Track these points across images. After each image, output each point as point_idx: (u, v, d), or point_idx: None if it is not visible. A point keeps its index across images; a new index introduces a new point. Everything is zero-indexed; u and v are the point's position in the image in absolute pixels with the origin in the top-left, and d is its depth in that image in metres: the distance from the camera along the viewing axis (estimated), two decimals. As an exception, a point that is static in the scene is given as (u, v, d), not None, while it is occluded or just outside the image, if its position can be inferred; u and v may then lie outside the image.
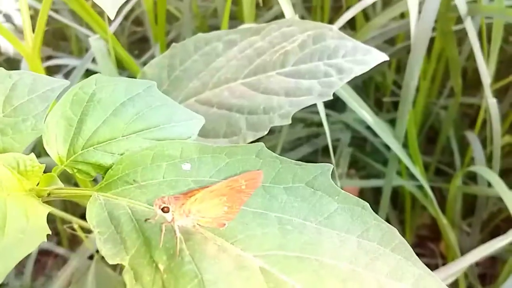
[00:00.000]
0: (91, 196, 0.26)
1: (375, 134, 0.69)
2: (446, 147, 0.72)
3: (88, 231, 0.47)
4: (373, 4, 0.67)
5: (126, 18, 0.83)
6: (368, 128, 0.69)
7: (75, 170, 0.28)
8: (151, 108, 0.29)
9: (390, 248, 0.26)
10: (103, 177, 0.27)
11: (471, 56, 0.70)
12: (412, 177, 0.68)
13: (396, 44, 0.66)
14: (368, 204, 0.27)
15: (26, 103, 0.28)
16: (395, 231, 0.26)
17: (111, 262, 0.22)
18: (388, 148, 0.69)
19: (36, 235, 0.23)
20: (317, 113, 0.68)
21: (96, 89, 0.29)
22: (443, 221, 0.56)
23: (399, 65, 0.73)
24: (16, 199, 0.24)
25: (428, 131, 0.76)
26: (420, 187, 0.62)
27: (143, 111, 0.29)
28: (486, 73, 0.53)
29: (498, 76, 0.65)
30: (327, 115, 0.58)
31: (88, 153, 0.28)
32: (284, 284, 0.22)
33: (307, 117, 0.68)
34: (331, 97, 0.35)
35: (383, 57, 0.37)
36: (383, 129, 0.46)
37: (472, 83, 0.71)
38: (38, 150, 0.61)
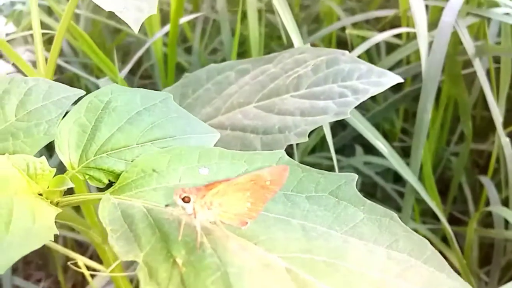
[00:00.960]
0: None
1: (385, 179, 0.68)
2: (457, 195, 0.71)
3: (93, 269, 0.45)
4: (378, 49, 0.68)
5: (133, 72, 0.85)
6: (378, 173, 0.68)
7: (87, 176, 0.27)
8: (167, 118, 0.29)
9: (422, 259, 0.24)
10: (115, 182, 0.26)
11: (477, 104, 0.70)
12: (425, 222, 0.65)
13: (403, 89, 0.66)
14: (396, 215, 0.25)
15: (40, 108, 0.27)
16: (426, 242, 0.25)
17: (124, 259, 0.21)
18: (399, 194, 0.68)
19: (43, 234, 0.22)
20: (327, 158, 0.67)
21: (111, 97, 0.28)
22: (462, 266, 0.53)
23: (406, 113, 0.73)
24: (23, 199, 0.23)
25: (438, 180, 0.75)
26: (434, 231, 0.60)
27: (159, 121, 0.28)
28: (497, 112, 0.52)
29: (506, 123, 0.65)
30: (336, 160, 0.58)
31: (101, 159, 0.27)
32: (312, 285, 0.20)
33: (316, 161, 0.67)
34: (348, 116, 0.35)
35: (397, 79, 0.37)
36: (398, 161, 0.45)
37: (480, 130, 0.71)
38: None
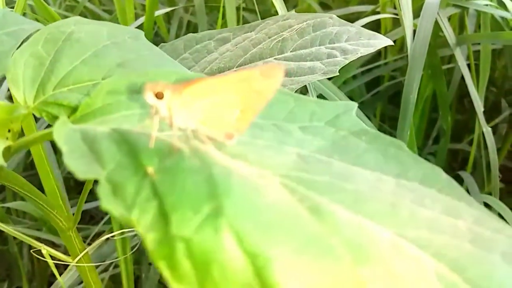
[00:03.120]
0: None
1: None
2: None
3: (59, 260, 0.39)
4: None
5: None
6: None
7: (44, 113, 0.23)
8: (138, 55, 0.25)
9: (436, 188, 0.21)
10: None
11: (452, 103, 0.69)
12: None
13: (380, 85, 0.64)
14: (404, 144, 0.22)
15: (-10, 38, 0.24)
16: (439, 170, 0.21)
17: (81, 177, 0.17)
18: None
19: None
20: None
21: (74, 28, 0.25)
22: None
23: (382, 115, 0.71)
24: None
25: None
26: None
27: (129, 56, 0.25)
28: (478, 101, 0.51)
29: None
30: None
31: (61, 94, 0.23)
32: (314, 198, 0.17)
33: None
34: (337, 73, 0.32)
35: (387, 41, 0.35)
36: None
37: (457, 131, 0.69)
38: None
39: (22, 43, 0.24)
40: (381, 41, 0.34)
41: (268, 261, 0.13)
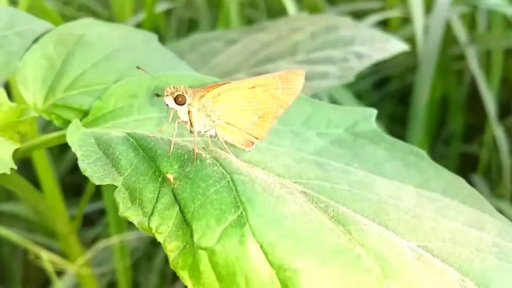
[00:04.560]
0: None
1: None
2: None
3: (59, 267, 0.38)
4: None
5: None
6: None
7: (53, 116, 0.22)
8: (150, 59, 0.25)
9: (459, 199, 0.20)
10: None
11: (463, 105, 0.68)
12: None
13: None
14: (424, 152, 0.22)
15: (0, 38, 0.23)
16: (461, 180, 0.21)
17: (98, 183, 0.16)
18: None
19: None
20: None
21: (86, 31, 0.24)
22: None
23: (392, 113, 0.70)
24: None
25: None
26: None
27: (140, 60, 0.24)
28: (491, 102, 0.50)
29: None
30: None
31: (72, 97, 0.22)
32: (337, 208, 0.16)
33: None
34: (351, 80, 0.31)
35: (402, 46, 0.34)
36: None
37: (467, 133, 0.69)
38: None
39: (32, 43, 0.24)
40: (395, 46, 0.34)
41: (295, 273, 0.13)
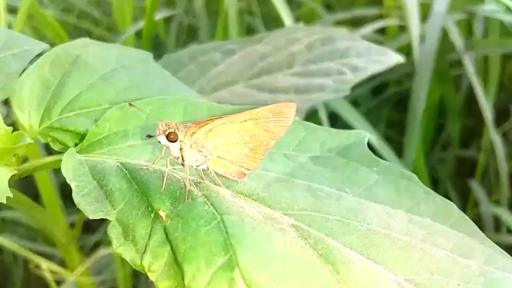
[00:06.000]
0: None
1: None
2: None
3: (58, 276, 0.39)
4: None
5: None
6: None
7: (49, 139, 0.22)
8: (146, 78, 0.25)
9: (448, 224, 0.20)
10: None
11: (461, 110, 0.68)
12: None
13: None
14: (415, 176, 0.22)
15: (-2, 60, 0.23)
16: (451, 205, 0.21)
17: (92, 216, 0.16)
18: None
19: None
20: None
21: (82, 51, 0.24)
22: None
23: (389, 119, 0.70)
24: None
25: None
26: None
27: (137, 80, 0.24)
28: (487, 108, 0.50)
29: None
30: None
31: (68, 119, 0.23)
32: (327, 243, 0.16)
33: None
34: (347, 93, 0.31)
35: (398, 58, 0.34)
36: (389, 154, 0.42)
37: (464, 138, 0.69)
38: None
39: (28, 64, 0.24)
40: (391, 58, 0.34)
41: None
